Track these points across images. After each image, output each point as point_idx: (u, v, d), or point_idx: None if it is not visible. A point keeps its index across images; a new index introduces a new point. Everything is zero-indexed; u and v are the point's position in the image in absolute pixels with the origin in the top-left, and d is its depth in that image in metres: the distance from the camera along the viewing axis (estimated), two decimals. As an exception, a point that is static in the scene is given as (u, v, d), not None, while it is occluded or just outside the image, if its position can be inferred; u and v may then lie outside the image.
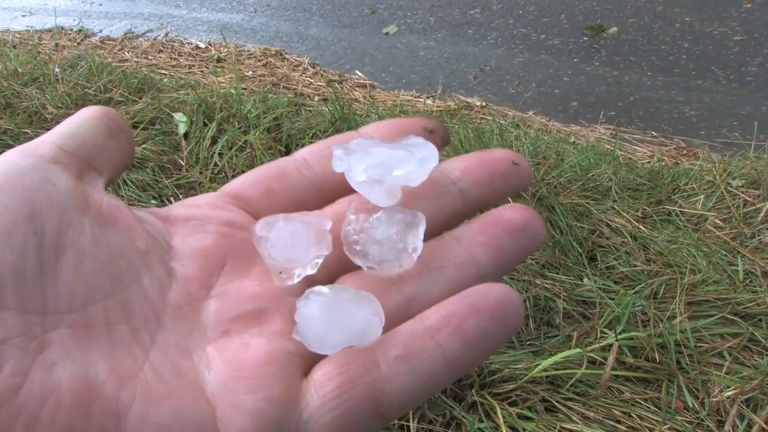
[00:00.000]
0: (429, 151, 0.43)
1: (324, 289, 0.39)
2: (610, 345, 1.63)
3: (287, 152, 2.37)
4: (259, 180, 0.46)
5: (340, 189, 0.46)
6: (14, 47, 4.00)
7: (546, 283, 1.84)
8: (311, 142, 2.30)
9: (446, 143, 0.49)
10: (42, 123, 2.82)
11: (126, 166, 0.45)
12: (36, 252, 0.35)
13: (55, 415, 0.31)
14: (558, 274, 1.88)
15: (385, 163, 0.42)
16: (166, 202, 2.37)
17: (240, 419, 0.35)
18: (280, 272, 0.41)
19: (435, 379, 0.38)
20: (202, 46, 4.41)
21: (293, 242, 0.41)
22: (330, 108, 2.61)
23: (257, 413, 0.35)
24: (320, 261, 0.42)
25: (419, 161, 0.42)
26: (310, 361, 0.39)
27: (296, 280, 0.41)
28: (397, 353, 0.38)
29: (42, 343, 0.33)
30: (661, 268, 1.91)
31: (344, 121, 2.40)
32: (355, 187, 0.43)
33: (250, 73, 3.86)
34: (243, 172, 2.07)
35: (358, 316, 0.38)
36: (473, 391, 1.57)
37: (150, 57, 4.29)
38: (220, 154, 2.47)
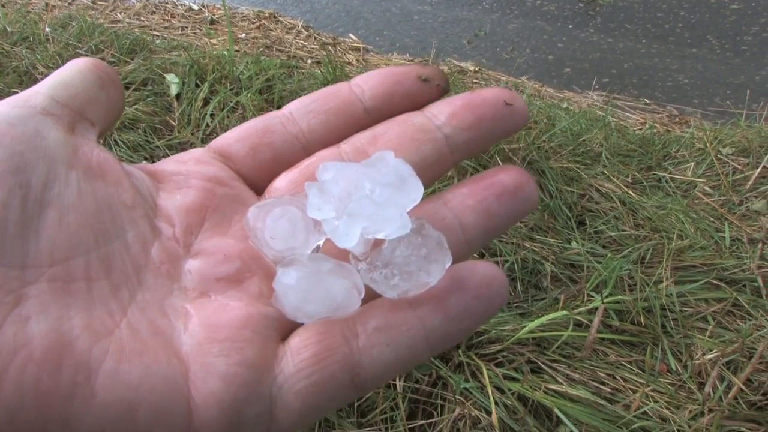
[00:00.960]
0: (415, 191, 0.40)
1: (304, 258, 0.39)
2: (597, 308, 1.64)
3: (279, 114, 2.37)
4: (245, 136, 0.46)
5: (326, 145, 0.46)
6: (2, 6, 3.96)
7: (534, 246, 1.85)
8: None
9: (444, 92, 0.47)
10: (32, 83, 2.79)
11: (117, 117, 0.45)
12: (20, 205, 0.35)
13: (25, 368, 0.31)
14: (547, 237, 1.89)
15: (368, 219, 0.39)
16: (158, 162, 2.37)
17: (212, 381, 0.35)
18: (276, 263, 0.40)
19: (414, 353, 0.38)
20: (196, 7, 4.37)
21: (292, 231, 0.40)
22: (323, 70, 2.60)
23: (229, 376, 0.35)
24: (320, 244, 0.41)
25: (402, 213, 0.39)
26: (289, 326, 0.39)
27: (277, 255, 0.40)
28: (376, 324, 0.38)
29: (19, 297, 0.33)
30: (649, 233, 1.93)
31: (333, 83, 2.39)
32: (329, 235, 0.40)
33: (244, 35, 3.83)
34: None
35: (336, 287, 0.38)
36: (460, 351, 1.59)
37: (142, 18, 4.25)
38: (212, 115, 2.46)
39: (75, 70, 0.42)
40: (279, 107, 2.34)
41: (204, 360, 0.36)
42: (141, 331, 0.36)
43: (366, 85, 0.46)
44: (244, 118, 2.32)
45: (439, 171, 0.44)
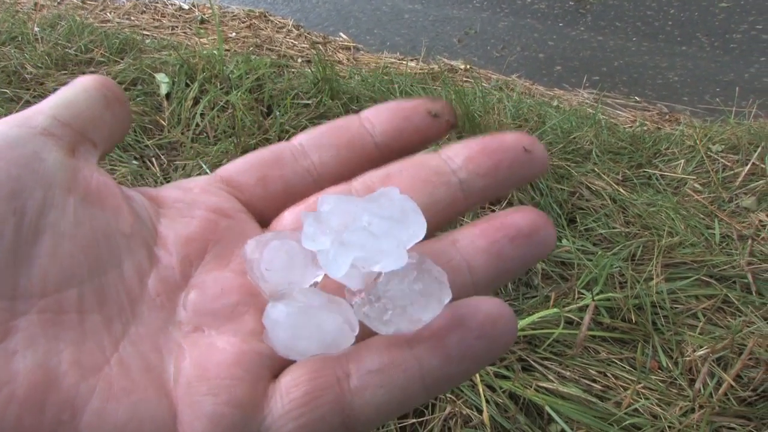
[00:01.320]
0: (417, 227, 0.38)
1: (295, 292, 0.38)
2: (588, 306, 1.64)
3: (269, 113, 2.36)
4: (254, 165, 0.44)
5: (338, 181, 0.44)
6: (-8, 5, 3.94)
7: (525, 245, 1.85)
8: (293, 103, 2.30)
9: (452, 126, 0.45)
10: (21, 83, 2.79)
11: (122, 137, 0.43)
12: (13, 233, 0.33)
13: (6, 407, 0.30)
14: (537, 235, 1.89)
15: (361, 249, 0.37)
16: (148, 162, 2.36)
17: (199, 422, 0.34)
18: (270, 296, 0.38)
19: (409, 395, 0.36)
20: (186, 7, 4.36)
21: (289, 264, 0.38)
22: (313, 69, 2.60)
23: (216, 417, 0.34)
24: (318, 281, 0.39)
25: (400, 246, 0.37)
26: (282, 364, 0.37)
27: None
28: (370, 364, 0.36)
29: (7, 330, 0.32)
30: (639, 230, 1.93)
31: (326, 82, 2.39)
32: (324, 268, 0.38)
33: (234, 34, 3.83)
34: (224, 132, 2.07)
35: (328, 323, 0.36)
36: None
37: (132, 18, 4.24)
38: (201, 115, 2.45)
39: (80, 88, 0.41)
40: (269, 106, 2.35)
41: (192, 399, 0.35)
42: (131, 367, 0.35)
43: (376, 119, 0.45)
44: (234, 118, 2.32)
45: (451, 215, 0.42)
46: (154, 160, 2.39)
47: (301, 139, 0.45)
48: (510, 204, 1.96)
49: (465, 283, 0.39)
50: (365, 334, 0.37)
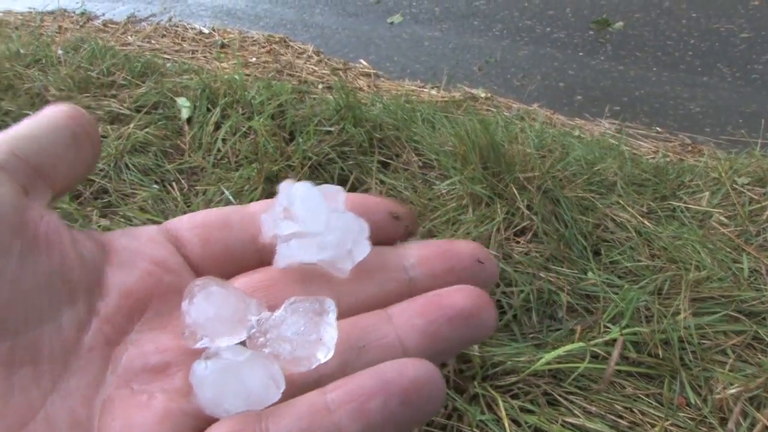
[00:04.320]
0: (362, 247, 0.39)
1: (222, 349, 0.37)
2: (614, 340, 1.62)
3: (291, 139, 2.36)
4: (201, 224, 0.43)
5: None
6: (16, 28, 3.98)
7: (550, 276, 1.83)
8: (316, 130, 2.30)
9: (411, 234, 0.44)
10: (43, 105, 2.80)
11: (83, 177, 0.41)
12: None
13: None
14: (562, 267, 1.88)
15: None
16: (168, 186, 2.36)
17: None
18: (186, 332, 0.38)
19: None
20: (206, 31, 4.39)
21: (216, 313, 0.37)
22: (335, 96, 2.60)
23: None
24: (234, 343, 0.38)
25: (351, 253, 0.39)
26: (208, 422, 0.36)
27: (197, 346, 0.38)
28: (288, 425, 0.34)
29: None
30: (665, 263, 1.91)
31: (349, 109, 2.38)
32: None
33: (254, 59, 3.84)
34: (246, 158, 2.06)
35: (253, 380, 0.36)
36: (475, 382, 1.56)
37: (153, 41, 4.27)
38: (223, 140, 2.45)
39: (47, 121, 0.39)
40: (291, 132, 2.34)
41: None
42: (58, 422, 0.33)
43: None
44: (256, 144, 2.31)
45: (391, 304, 0.41)
46: (174, 184, 2.39)
47: (255, 207, 0.44)
48: (535, 235, 1.94)
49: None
50: (295, 390, 0.36)
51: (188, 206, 2.23)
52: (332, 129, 2.30)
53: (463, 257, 0.41)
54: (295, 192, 0.41)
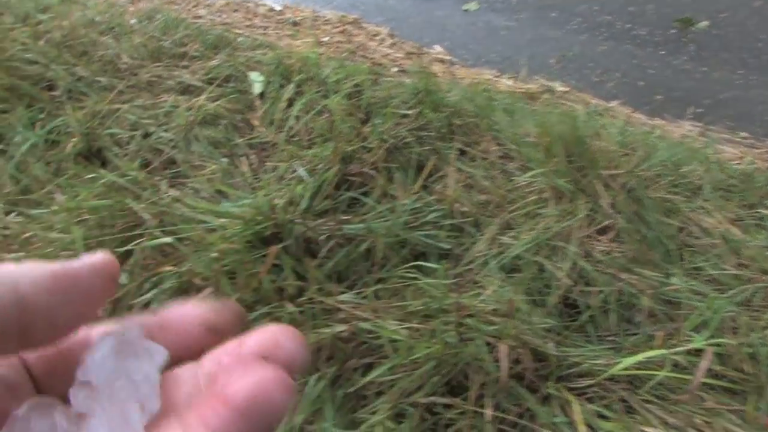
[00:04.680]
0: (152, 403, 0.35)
1: None
2: (697, 349, 1.54)
3: (366, 120, 2.31)
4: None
5: None
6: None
7: (631, 278, 1.76)
8: (393, 113, 2.24)
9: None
10: (116, 72, 2.81)
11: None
12: None
13: None
14: (644, 269, 1.80)
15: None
16: (236, 161, 2.33)
17: None
18: None
19: None
20: (278, 8, 4.37)
21: None
22: (413, 80, 2.54)
23: None
24: None
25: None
26: None
27: None
28: None
29: None
30: (755, 274, 1.81)
31: (428, 93, 2.33)
32: None
33: (327, 39, 3.80)
34: (321, 136, 2.02)
35: None
36: (549, 383, 1.51)
37: (224, 16, 4.26)
38: (296, 117, 2.41)
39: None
40: (367, 113, 2.29)
41: None
42: None
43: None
44: (331, 123, 2.27)
45: None
46: (243, 159, 2.36)
47: None
48: (617, 235, 1.86)
49: None
50: None
51: (257, 181, 2.20)
52: (409, 112, 2.24)
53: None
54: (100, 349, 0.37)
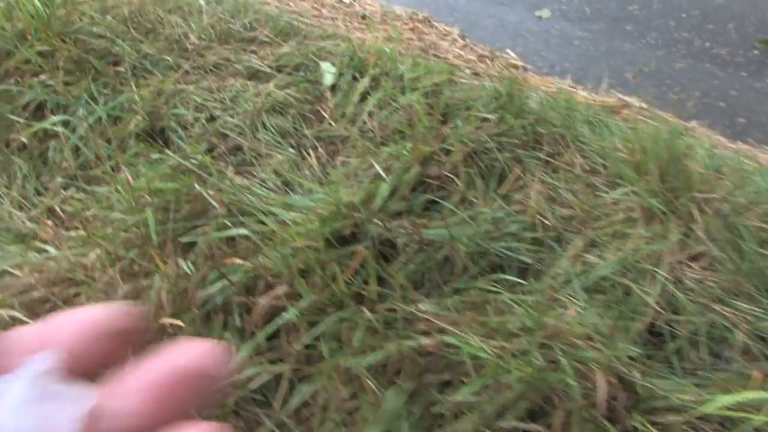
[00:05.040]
0: None
1: None
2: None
3: (444, 122, 2.22)
4: None
5: None
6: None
7: (725, 310, 1.65)
8: (473, 116, 2.15)
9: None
10: (182, 52, 2.76)
11: None
12: None
13: None
14: (739, 302, 1.69)
15: None
16: (304, 153, 2.26)
17: None
18: None
19: None
20: (347, 0, 4.30)
21: None
22: (492, 83, 2.45)
23: None
24: None
25: None
26: None
27: None
28: None
29: None
30: None
31: (510, 99, 2.23)
32: None
33: (396, 36, 3.72)
34: (398, 133, 1.94)
35: None
36: (635, 415, 1.41)
37: (291, 4, 4.20)
38: (370, 113, 2.33)
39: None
40: (444, 114, 2.20)
41: None
42: None
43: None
44: (408, 121, 2.19)
45: None
46: (311, 151, 2.28)
47: None
48: (711, 263, 1.75)
49: None
50: None
51: (326, 176, 2.12)
52: (491, 116, 2.15)
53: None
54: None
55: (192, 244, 1.72)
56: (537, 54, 3.73)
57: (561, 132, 2.14)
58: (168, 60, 2.68)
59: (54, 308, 1.73)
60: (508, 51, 3.64)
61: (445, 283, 1.67)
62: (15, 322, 1.60)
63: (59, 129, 2.32)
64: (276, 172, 2.09)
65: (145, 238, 1.74)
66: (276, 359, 1.49)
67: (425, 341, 1.37)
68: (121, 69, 2.59)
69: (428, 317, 1.45)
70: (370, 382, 1.33)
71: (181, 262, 1.65)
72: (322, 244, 1.54)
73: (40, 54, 2.56)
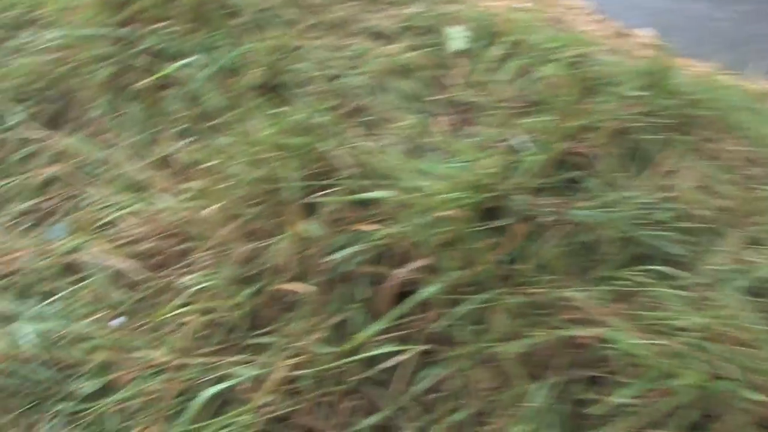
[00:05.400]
0: None
1: None
2: None
3: (587, 96, 2.07)
4: None
5: None
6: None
7: None
8: (618, 93, 1.98)
9: None
10: (302, 8, 2.68)
11: None
12: None
13: None
14: None
15: None
16: (430, 120, 2.14)
17: None
18: None
19: None
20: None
21: None
22: (636, 61, 2.29)
23: None
24: None
25: None
26: None
27: None
28: None
29: None
30: None
31: (660, 77, 2.05)
32: None
33: (516, 5, 3.55)
34: (537, 104, 1.79)
35: None
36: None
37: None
38: (508, 81, 2.20)
39: None
40: (586, 89, 2.04)
41: None
42: None
43: None
44: (549, 91, 2.04)
45: None
46: (440, 117, 2.16)
47: None
48: None
49: None
50: None
51: (454, 143, 2.00)
52: (640, 94, 1.98)
53: None
54: None
55: (316, 206, 1.62)
56: (674, 34, 3.48)
57: (716, 116, 1.97)
58: (287, 15, 2.61)
59: (165, 262, 1.68)
60: (646, 29, 3.43)
61: (588, 269, 1.53)
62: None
63: (177, 75, 2.27)
64: (406, 137, 1.98)
65: (267, 194, 1.66)
66: (405, 338, 1.37)
67: (579, 332, 1.25)
68: (239, 21, 2.53)
69: (577, 305, 1.32)
70: (515, 372, 1.21)
71: (306, 224, 1.55)
72: (467, 216, 1.42)
73: (160, 1, 2.52)
